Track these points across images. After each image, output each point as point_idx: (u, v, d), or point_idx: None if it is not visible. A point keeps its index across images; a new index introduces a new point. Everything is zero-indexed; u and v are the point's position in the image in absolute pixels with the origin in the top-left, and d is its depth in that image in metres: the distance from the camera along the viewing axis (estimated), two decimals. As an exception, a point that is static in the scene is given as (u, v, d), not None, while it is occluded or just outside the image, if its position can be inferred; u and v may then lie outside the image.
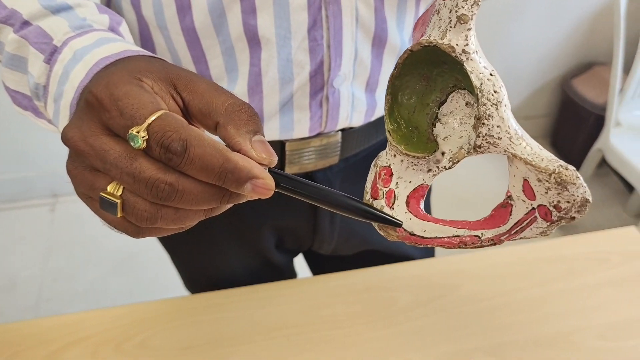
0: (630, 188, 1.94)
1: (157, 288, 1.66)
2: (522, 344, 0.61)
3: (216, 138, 0.32)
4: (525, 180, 0.32)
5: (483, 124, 0.31)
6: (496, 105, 0.31)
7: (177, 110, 0.32)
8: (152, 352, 0.61)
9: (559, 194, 0.30)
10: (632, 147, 1.55)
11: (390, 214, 0.35)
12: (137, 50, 0.37)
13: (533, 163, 0.31)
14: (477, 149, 0.32)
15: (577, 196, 0.30)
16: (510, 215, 0.34)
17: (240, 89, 0.56)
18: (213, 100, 0.32)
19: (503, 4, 1.82)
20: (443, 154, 0.34)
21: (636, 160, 1.50)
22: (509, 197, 0.34)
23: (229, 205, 0.32)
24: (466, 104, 0.34)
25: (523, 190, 0.33)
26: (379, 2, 0.53)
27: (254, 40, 0.53)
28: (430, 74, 0.35)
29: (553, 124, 2.23)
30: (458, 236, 0.35)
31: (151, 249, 1.74)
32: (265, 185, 0.30)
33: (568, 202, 0.30)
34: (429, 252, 0.83)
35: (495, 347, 0.61)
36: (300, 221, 0.71)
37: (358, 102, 0.60)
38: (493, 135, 0.31)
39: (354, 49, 0.55)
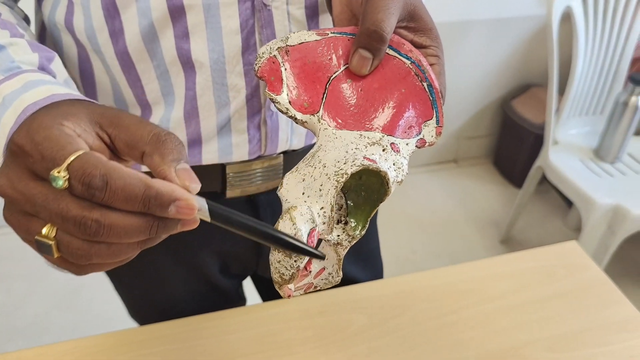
0: (569, 203, 2.02)
1: (102, 322, 1.60)
2: (474, 361, 0.62)
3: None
4: None
5: None
6: None
7: (103, 147, 0.34)
8: (98, 389, 0.58)
9: None
10: (570, 164, 1.61)
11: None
12: (65, 93, 0.37)
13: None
14: None
15: None
16: None
17: (176, 113, 0.56)
18: (138, 131, 0.33)
19: (446, 29, 1.88)
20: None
21: (573, 176, 1.57)
22: None
23: (163, 236, 0.33)
24: None
25: None
26: (313, 27, 0.54)
27: (188, 64, 0.53)
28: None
29: (495, 144, 2.30)
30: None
31: (95, 282, 1.67)
32: (188, 206, 0.31)
33: None
34: (377, 274, 0.83)
35: (449, 365, 0.62)
36: (243, 246, 0.70)
37: (297, 125, 0.61)
38: None
39: None
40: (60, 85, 0.39)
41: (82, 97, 0.37)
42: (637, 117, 1.53)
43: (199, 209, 0.32)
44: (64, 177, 0.30)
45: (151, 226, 0.32)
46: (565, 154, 1.65)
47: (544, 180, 1.74)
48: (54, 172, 0.30)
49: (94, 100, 0.38)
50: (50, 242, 0.31)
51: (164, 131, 0.33)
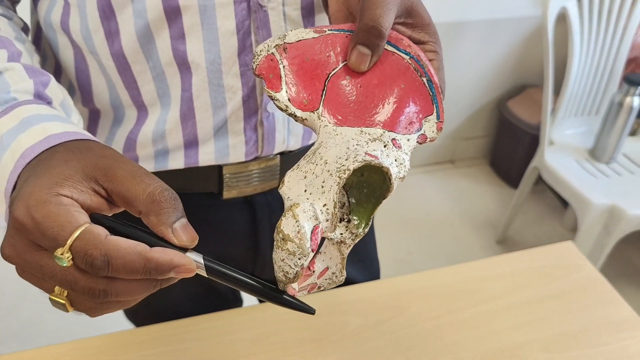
0: (565, 204, 2.02)
1: (98, 324, 1.58)
2: (471, 361, 0.62)
3: None
4: None
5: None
6: None
7: (101, 201, 0.35)
8: (95, 391, 0.58)
9: None
10: (565, 164, 1.62)
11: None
12: (60, 132, 0.38)
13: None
14: None
15: None
16: None
17: (173, 114, 0.56)
18: (133, 188, 0.34)
19: (442, 30, 1.88)
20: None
21: (569, 176, 1.57)
22: None
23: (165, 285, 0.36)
24: None
25: None
26: (309, 27, 0.54)
27: (184, 65, 0.53)
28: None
29: (491, 145, 2.31)
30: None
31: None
32: (186, 270, 0.34)
33: None
34: (374, 275, 0.83)
35: (446, 366, 0.62)
36: (240, 248, 0.70)
37: (294, 125, 0.61)
38: None
39: None
40: (55, 119, 0.40)
41: (77, 134, 0.38)
42: (632, 118, 1.54)
43: (197, 266, 0.35)
44: (67, 257, 0.32)
45: (154, 285, 0.35)
46: (561, 154, 1.65)
47: (540, 180, 1.75)
48: (57, 254, 0.32)
49: (89, 137, 0.39)
50: (63, 302, 0.34)
51: (158, 189, 0.34)
